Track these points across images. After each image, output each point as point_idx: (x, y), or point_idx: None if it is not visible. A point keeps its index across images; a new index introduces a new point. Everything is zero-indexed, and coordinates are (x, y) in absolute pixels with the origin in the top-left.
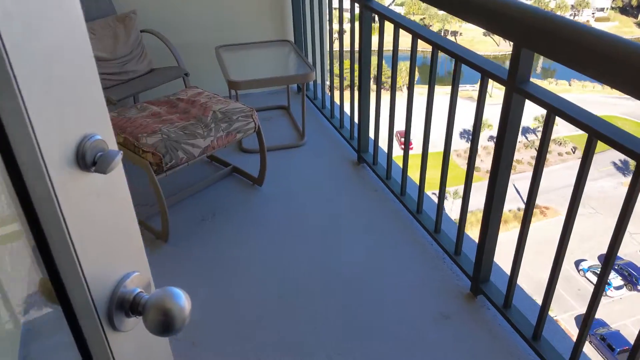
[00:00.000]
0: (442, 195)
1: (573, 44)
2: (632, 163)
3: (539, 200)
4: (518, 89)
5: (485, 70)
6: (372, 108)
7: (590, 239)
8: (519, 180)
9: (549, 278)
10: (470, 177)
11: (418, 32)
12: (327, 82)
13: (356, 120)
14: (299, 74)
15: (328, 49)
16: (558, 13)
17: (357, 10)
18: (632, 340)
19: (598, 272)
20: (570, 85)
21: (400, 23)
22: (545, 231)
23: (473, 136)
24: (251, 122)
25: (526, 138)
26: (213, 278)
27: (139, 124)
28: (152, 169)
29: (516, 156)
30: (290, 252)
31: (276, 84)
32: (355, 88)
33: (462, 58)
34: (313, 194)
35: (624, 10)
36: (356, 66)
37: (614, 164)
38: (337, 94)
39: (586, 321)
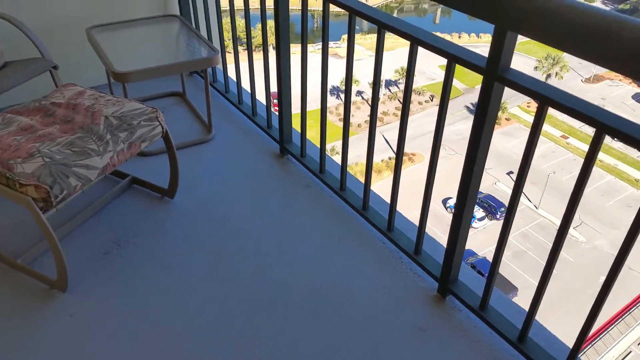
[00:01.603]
0: (395, 192)
1: (566, 23)
2: None
3: (406, 148)
4: (499, 78)
5: (456, 57)
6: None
7: (453, 178)
8: (388, 131)
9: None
10: (431, 182)
11: (355, 9)
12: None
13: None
14: (201, 57)
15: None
16: None
17: None
18: (499, 265)
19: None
20: (460, 37)
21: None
22: (414, 175)
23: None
24: (157, 125)
25: (390, 90)
26: (138, 334)
27: (6, 144)
28: (36, 205)
29: (382, 108)
30: (224, 273)
31: (175, 72)
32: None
33: (419, 40)
34: (236, 199)
35: None
36: (271, 39)
37: (467, 107)
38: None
39: (586, 330)
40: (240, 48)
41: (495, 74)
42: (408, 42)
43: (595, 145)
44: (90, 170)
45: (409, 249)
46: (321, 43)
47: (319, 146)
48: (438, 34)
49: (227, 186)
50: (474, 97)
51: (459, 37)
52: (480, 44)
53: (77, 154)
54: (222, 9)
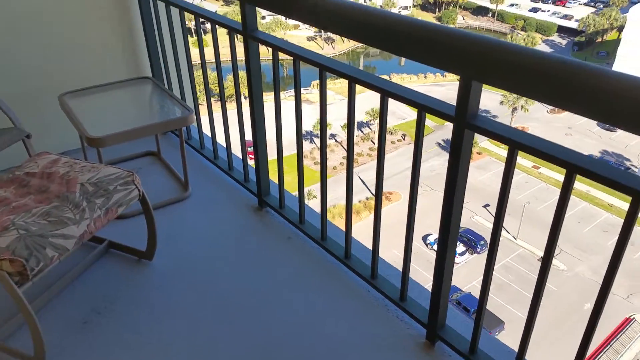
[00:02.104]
0: (376, 239)
1: (529, 73)
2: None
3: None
4: (469, 125)
5: (426, 107)
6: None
7: (431, 214)
8: (363, 172)
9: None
10: (410, 234)
11: (325, 65)
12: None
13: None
14: (175, 117)
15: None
16: None
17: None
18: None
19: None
20: (390, 78)
21: (299, 54)
22: (392, 214)
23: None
24: (134, 189)
25: (362, 132)
26: None
27: None
28: (12, 280)
29: (355, 149)
30: (206, 336)
31: (149, 133)
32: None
33: (389, 92)
34: (216, 257)
35: (424, 7)
36: (245, 102)
37: (438, 144)
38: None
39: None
40: (213, 99)
41: (465, 121)
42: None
43: (567, 186)
44: (67, 239)
45: (394, 295)
46: (293, 90)
47: (296, 194)
48: (404, 75)
49: (206, 244)
50: (444, 133)
51: (425, 77)
52: (445, 82)
53: (54, 223)
54: (193, 61)
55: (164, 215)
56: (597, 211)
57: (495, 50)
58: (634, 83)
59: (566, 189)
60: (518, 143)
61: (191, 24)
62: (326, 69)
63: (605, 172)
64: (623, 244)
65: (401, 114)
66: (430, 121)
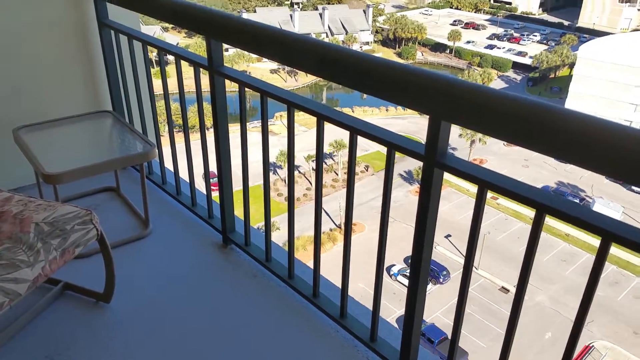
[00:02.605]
0: (345, 278)
1: (496, 114)
2: (415, 172)
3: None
4: (439, 164)
5: (395, 145)
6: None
7: (394, 245)
8: (327, 203)
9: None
10: (380, 278)
11: (293, 102)
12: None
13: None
14: (136, 153)
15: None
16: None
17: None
18: (446, 330)
19: (407, 274)
20: (353, 111)
21: (267, 91)
22: (357, 245)
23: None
24: (92, 228)
25: (325, 163)
26: None
27: None
28: None
29: None
30: None
31: (108, 169)
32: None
33: (358, 130)
34: (178, 298)
35: (385, 43)
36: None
37: (401, 175)
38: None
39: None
40: (175, 130)
41: (434, 160)
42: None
43: (537, 226)
44: (19, 284)
45: (364, 335)
46: (257, 122)
47: (262, 229)
48: (366, 107)
49: (167, 285)
50: (406, 164)
51: (387, 110)
52: (406, 115)
53: (5, 267)
54: (155, 92)
55: (123, 255)
56: (554, 240)
57: (463, 92)
58: (601, 125)
59: (536, 229)
60: (488, 182)
61: (153, 54)
62: (294, 105)
63: (576, 212)
64: (594, 283)
65: (364, 145)
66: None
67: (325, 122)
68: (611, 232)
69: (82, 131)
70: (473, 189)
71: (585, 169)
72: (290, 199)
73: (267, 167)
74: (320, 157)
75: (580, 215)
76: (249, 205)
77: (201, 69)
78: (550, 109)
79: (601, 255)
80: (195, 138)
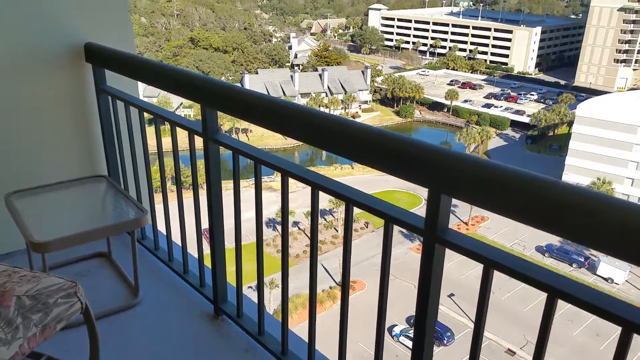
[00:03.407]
0: (342, 351)
1: (501, 189)
2: None
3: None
4: (440, 239)
5: (393, 218)
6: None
7: (395, 303)
8: (326, 260)
9: None
10: (380, 351)
11: (288, 170)
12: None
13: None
14: (128, 219)
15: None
16: (331, 108)
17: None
18: None
19: (410, 335)
20: (352, 168)
21: (260, 159)
22: (357, 303)
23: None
24: (76, 302)
25: (325, 219)
26: None
27: None
28: None
29: (320, 237)
30: None
31: (99, 236)
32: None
33: (355, 201)
34: None
35: (383, 102)
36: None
37: (401, 232)
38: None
39: None
40: (169, 190)
41: (435, 235)
42: (342, 172)
43: (548, 312)
44: None
45: None
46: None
47: (254, 296)
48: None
49: (155, 359)
50: None
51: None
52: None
53: None
54: (150, 151)
55: (110, 326)
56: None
57: (464, 164)
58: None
59: (548, 315)
60: (494, 262)
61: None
62: (288, 174)
63: (592, 298)
64: None
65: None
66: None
67: (320, 192)
68: (632, 322)
69: (75, 196)
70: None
71: (596, 250)
72: (285, 272)
73: (261, 234)
74: (315, 228)
75: (597, 302)
76: (241, 277)
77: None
78: (559, 185)
79: (624, 348)
80: (188, 196)
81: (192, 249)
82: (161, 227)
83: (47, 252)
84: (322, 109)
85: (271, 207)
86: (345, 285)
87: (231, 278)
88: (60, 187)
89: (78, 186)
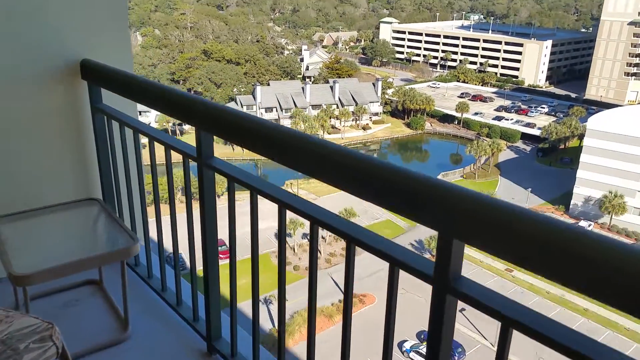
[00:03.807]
0: None
1: (522, 237)
2: (426, 242)
3: (355, 289)
4: (451, 290)
5: (399, 262)
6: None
7: (406, 318)
8: (336, 273)
9: None
10: None
11: (286, 202)
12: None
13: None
14: (116, 249)
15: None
16: (342, 119)
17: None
18: None
19: (421, 351)
20: None
21: (257, 188)
22: (367, 317)
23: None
24: (50, 346)
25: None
26: None
27: None
28: None
29: (330, 249)
30: None
31: (86, 267)
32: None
33: (357, 240)
34: None
35: (394, 114)
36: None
37: (411, 244)
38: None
39: None
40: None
41: (446, 284)
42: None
43: None
44: None
45: None
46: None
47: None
48: None
49: None
50: (416, 234)
51: None
52: None
53: None
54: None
55: None
56: (572, 315)
57: (480, 206)
58: None
59: None
60: (513, 321)
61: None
62: (286, 206)
63: None
64: None
65: (373, 214)
66: (402, 221)
67: (320, 227)
68: None
69: (65, 222)
70: (487, 259)
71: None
72: (281, 315)
73: (257, 267)
74: (313, 264)
75: None
76: (235, 313)
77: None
78: (591, 235)
79: None
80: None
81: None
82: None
83: (29, 285)
84: (333, 120)
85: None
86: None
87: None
88: (51, 211)
89: (69, 210)
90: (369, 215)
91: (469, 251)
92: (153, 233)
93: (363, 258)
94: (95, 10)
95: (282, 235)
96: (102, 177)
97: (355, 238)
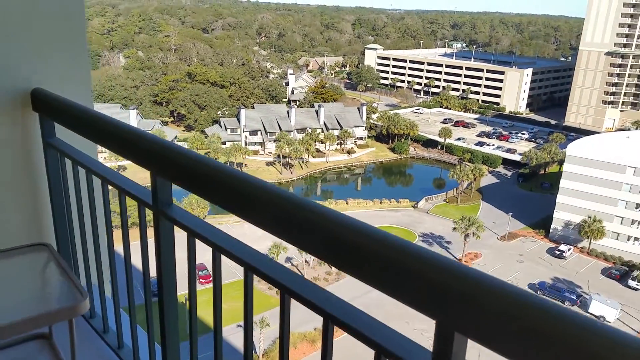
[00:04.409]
0: None
1: (524, 337)
2: None
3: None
4: None
5: (385, 351)
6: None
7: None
8: None
9: None
10: None
11: (252, 265)
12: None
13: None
14: (63, 306)
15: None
16: (327, 143)
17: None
18: None
19: None
20: (347, 202)
21: (221, 247)
22: (356, 346)
23: None
24: None
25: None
26: None
27: None
28: None
29: (313, 273)
30: None
31: (16, 332)
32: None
33: (335, 318)
34: None
35: (378, 138)
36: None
37: None
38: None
39: None
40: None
41: None
42: (337, 207)
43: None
44: None
45: None
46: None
47: None
48: (360, 200)
49: None
50: None
51: (380, 202)
52: (400, 208)
53: None
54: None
55: None
56: None
57: (485, 293)
58: None
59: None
60: None
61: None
62: (253, 270)
63: None
64: None
65: None
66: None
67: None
68: None
69: (8, 272)
70: None
71: None
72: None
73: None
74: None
75: None
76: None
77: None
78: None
79: None
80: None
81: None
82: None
83: None
84: (318, 144)
85: (266, 242)
86: None
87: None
88: None
89: (13, 257)
90: None
91: None
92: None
93: (343, 283)
94: (48, 33)
95: (248, 304)
96: (55, 220)
97: (334, 316)
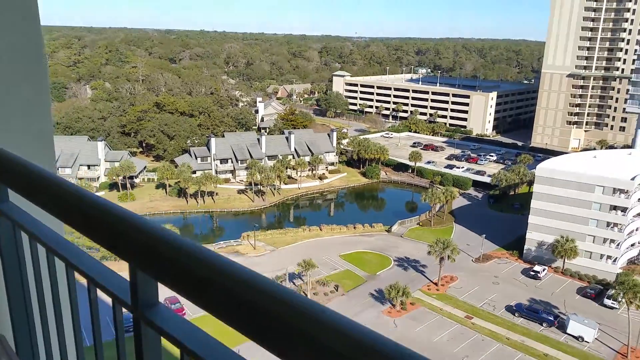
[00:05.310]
0: None
1: None
2: (386, 292)
3: None
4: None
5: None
6: None
7: None
8: None
9: None
10: None
11: None
12: None
13: None
14: None
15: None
16: (298, 170)
17: None
18: None
19: None
20: (321, 229)
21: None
22: None
23: None
24: None
25: (294, 284)
26: None
27: None
28: None
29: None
30: None
31: None
32: None
33: None
34: None
35: (350, 164)
36: None
37: (371, 294)
38: None
39: None
40: None
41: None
42: (310, 234)
43: None
44: None
45: None
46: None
47: None
48: (333, 225)
49: None
50: (377, 284)
51: (354, 227)
52: (374, 232)
53: None
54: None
55: None
56: None
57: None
58: None
59: None
60: None
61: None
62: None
63: None
64: None
65: (333, 264)
66: (361, 271)
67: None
68: None
69: None
70: (446, 307)
71: None
72: None
73: None
74: None
75: None
76: None
77: None
78: None
79: None
80: None
81: None
82: None
83: None
84: (289, 170)
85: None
86: None
87: None
88: None
89: None
90: (329, 266)
91: (431, 300)
92: None
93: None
94: (5, 84)
95: None
96: (10, 305)
97: None
